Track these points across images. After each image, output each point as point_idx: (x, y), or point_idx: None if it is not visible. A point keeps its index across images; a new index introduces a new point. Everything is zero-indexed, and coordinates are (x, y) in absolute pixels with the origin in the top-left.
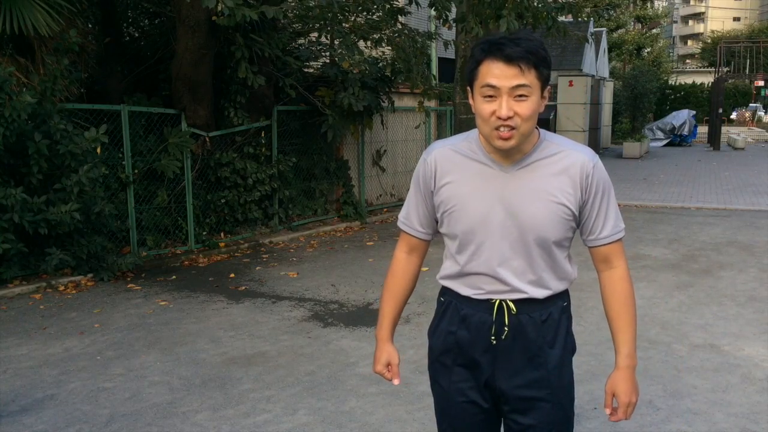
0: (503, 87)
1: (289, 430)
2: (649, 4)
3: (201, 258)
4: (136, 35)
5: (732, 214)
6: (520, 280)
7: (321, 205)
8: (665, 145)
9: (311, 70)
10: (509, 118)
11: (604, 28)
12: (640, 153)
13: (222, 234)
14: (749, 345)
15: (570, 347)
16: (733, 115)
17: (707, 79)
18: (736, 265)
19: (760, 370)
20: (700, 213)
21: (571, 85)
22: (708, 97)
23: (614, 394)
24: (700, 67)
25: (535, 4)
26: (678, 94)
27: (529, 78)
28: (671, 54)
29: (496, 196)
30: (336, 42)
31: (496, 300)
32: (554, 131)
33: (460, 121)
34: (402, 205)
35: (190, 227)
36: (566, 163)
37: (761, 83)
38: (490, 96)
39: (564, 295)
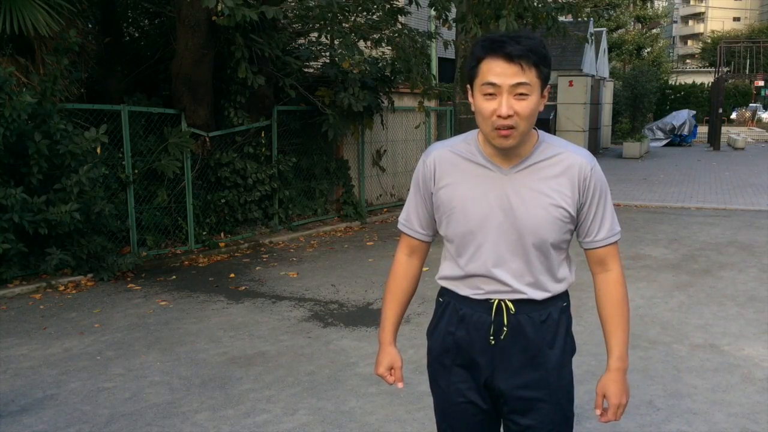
0: (504, 85)
1: (289, 430)
2: (649, 4)
3: (201, 258)
4: (136, 35)
5: (732, 214)
6: (518, 282)
7: (321, 205)
8: (665, 145)
9: (311, 70)
10: (509, 116)
11: (604, 28)
12: (640, 153)
13: (222, 234)
14: (749, 345)
15: (570, 348)
16: (734, 115)
17: (707, 79)
18: (736, 265)
19: (760, 370)
20: (700, 213)
21: (571, 85)
22: (708, 97)
23: (605, 396)
24: (700, 67)
25: (535, 4)
26: (678, 94)
27: (530, 76)
28: (671, 54)
29: (494, 199)
30: (336, 42)
31: (495, 300)
32: (554, 131)
33: (460, 121)
34: (402, 205)
35: (190, 227)
36: (565, 165)
37: (761, 83)
38: (491, 94)
39: (564, 296)
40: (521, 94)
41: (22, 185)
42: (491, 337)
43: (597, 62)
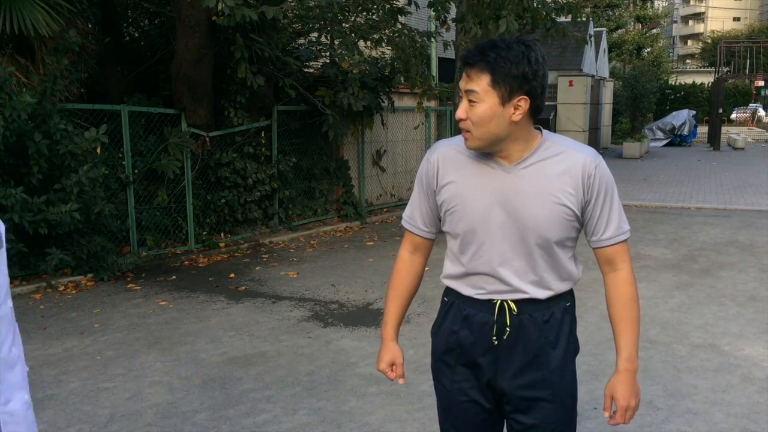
0: (462, 89)
1: (289, 430)
2: (649, 4)
3: (201, 258)
4: (136, 35)
5: (732, 214)
6: (521, 280)
7: (321, 205)
8: (665, 145)
9: (311, 70)
10: (461, 120)
11: (604, 29)
12: (640, 153)
13: (222, 234)
14: (749, 345)
15: (573, 348)
16: (734, 115)
17: (707, 79)
18: (736, 265)
19: (760, 370)
20: (700, 213)
21: (571, 85)
22: (708, 97)
23: (613, 398)
24: (700, 67)
25: (535, 4)
26: (678, 94)
27: (480, 84)
28: (671, 54)
29: (497, 196)
30: (336, 42)
31: (497, 300)
32: (554, 131)
33: None
34: (402, 205)
35: (190, 227)
36: (568, 163)
37: (761, 83)
38: (461, 97)
39: (567, 296)
40: (470, 101)
41: (22, 185)
42: (494, 338)
43: (597, 62)
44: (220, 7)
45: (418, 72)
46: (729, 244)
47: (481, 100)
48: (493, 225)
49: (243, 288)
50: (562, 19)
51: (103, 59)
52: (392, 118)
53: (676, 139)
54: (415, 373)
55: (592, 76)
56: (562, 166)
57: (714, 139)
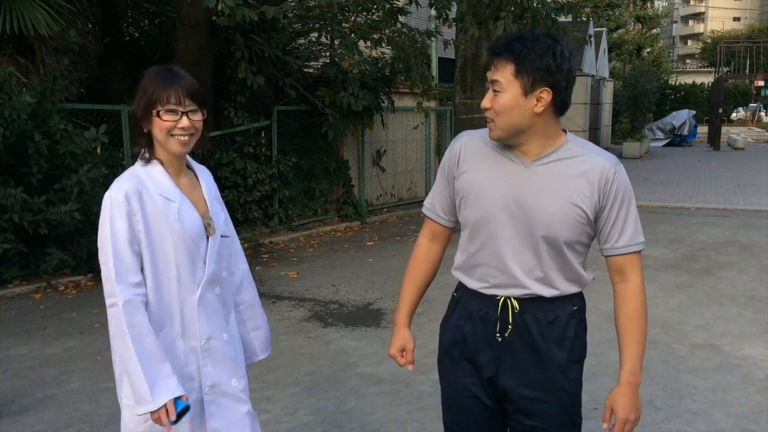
0: (488, 79)
1: (289, 430)
2: (649, 4)
3: None
4: (136, 35)
5: (732, 214)
6: (526, 276)
7: (321, 205)
8: (665, 145)
9: (311, 70)
10: (486, 109)
11: (604, 29)
12: (640, 153)
13: None
14: (749, 345)
15: (577, 352)
16: (734, 115)
17: (707, 79)
18: (736, 265)
19: (760, 370)
20: (700, 213)
21: None
22: (708, 97)
23: (613, 410)
24: (700, 67)
25: (535, 4)
26: (678, 94)
27: (503, 75)
28: (671, 54)
29: (511, 189)
30: (336, 42)
31: (501, 297)
32: None
33: (460, 121)
34: (402, 205)
35: None
36: (587, 166)
37: (761, 83)
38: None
39: (575, 299)
40: (495, 90)
41: (22, 185)
42: (497, 335)
43: (597, 62)
44: (220, 7)
45: (418, 72)
46: (729, 244)
47: (504, 89)
48: (503, 217)
49: None
50: (562, 19)
51: (103, 59)
52: (392, 118)
53: (676, 139)
54: (415, 373)
55: (592, 76)
56: (580, 168)
57: (714, 139)
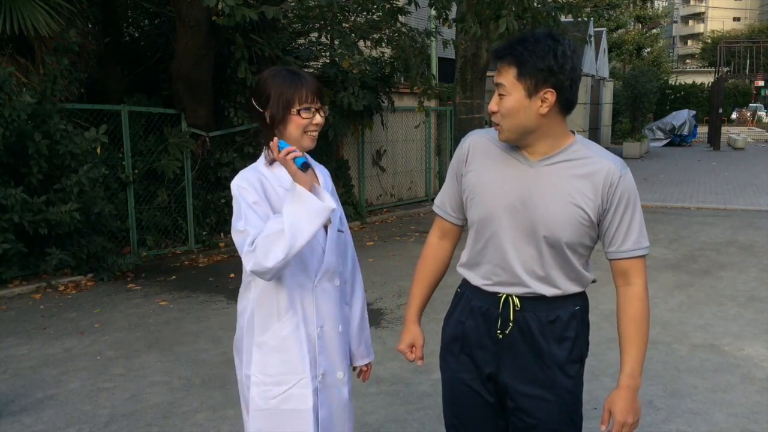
0: (495, 82)
1: None
2: (649, 4)
3: (201, 258)
4: (136, 35)
5: (732, 214)
6: (528, 275)
7: None
8: (665, 145)
9: (311, 70)
10: (493, 113)
11: (604, 28)
12: (640, 153)
13: (222, 234)
14: (749, 345)
15: (577, 352)
16: (734, 115)
17: (707, 79)
18: (736, 265)
19: (760, 370)
20: (700, 213)
21: None
22: (708, 97)
23: (611, 412)
24: (700, 67)
25: (535, 4)
26: (678, 94)
27: (507, 78)
28: (671, 54)
29: (516, 188)
30: (336, 42)
31: (503, 294)
32: None
33: (460, 121)
34: (402, 205)
35: (190, 227)
36: (592, 168)
37: (761, 83)
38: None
39: (577, 299)
40: (500, 94)
41: (22, 185)
42: (498, 331)
43: (597, 62)
44: (220, 7)
45: (418, 72)
46: (729, 244)
47: (508, 93)
48: (507, 216)
49: None
50: (563, 18)
51: (103, 59)
52: (392, 118)
53: (676, 139)
54: (414, 373)
55: (592, 76)
56: (585, 170)
57: (714, 139)
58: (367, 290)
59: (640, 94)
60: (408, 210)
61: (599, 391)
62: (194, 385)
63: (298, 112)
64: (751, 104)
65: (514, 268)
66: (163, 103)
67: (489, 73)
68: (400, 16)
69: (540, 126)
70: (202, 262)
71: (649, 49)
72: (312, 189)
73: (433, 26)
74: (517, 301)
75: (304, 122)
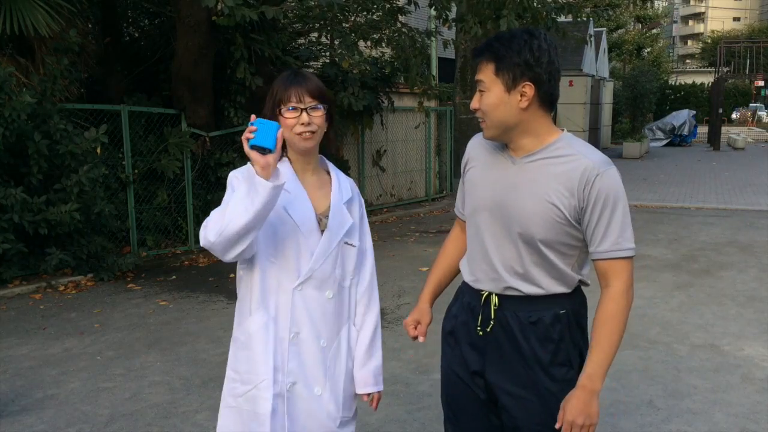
0: (476, 79)
1: None
2: (649, 4)
3: (201, 258)
4: (136, 35)
5: (732, 214)
6: (507, 271)
7: None
8: (665, 145)
9: (311, 70)
10: (475, 110)
11: (604, 28)
12: (640, 153)
13: None
14: (749, 345)
15: (563, 356)
16: (735, 115)
17: (707, 79)
18: (736, 265)
19: (760, 370)
20: (700, 213)
21: (571, 85)
22: (708, 97)
23: (563, 410)
24: (700, 67)
25: (535, 4)
26: (678, 94)
27: (485, 74)
28: (671, 54)
29: (498, 185)
30: (336, 42)
31: (485, 292)
32: None
33: (460, 121)
34: (402, 205)
35: (190, 227)
36: (571, 166)
37: (761, 83)
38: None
39: (563, 301)
40: (480, 90)
41: (22, 185)
42: (478, 328)
43: (597, 62)
44: (219, 7)
45: (418, 72)
46: (729, 244)
47: (488, 89)
48: (487, 212)
49: None
50: (563, 18)
51: (103, 59)
52: (392, 118)
53: (676, 139)
54: (414, 373)
55: (592, 76)
56: (563, 168)
57: (714, 139)
58: None
59: (640, 94)
60: (408, 210)
61: None
62: (194, 385)
63: (281, 111)
64: (751, 104)
65: (495, 264)
66: (163, 103)
67: None
68: (400, 16)
69: (521, 121)
70: (202, 262)
71: (649, 49)
72: (268, 175)
73: (433, 26)
74: (496, 299)
75: (290, 122)
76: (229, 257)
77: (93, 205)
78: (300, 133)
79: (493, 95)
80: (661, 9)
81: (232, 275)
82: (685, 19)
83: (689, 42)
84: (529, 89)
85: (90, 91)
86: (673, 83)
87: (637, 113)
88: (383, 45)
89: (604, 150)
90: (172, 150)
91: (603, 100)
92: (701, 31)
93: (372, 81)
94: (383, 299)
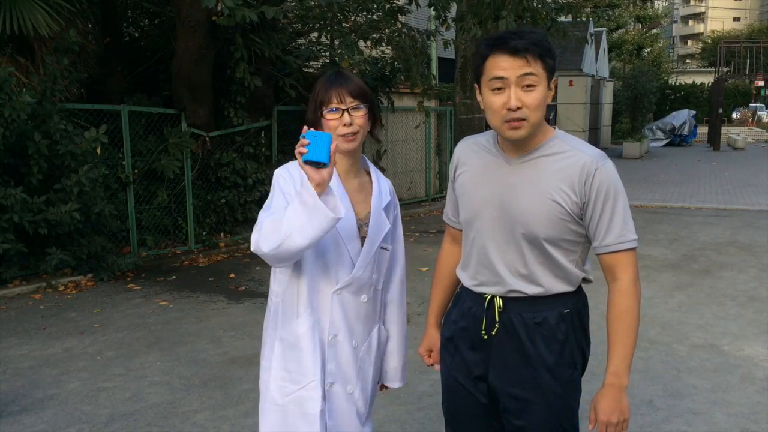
0: (511, 78)
1: None
2: (649, 4)
3: (201, 258)
4: (136, 35)
5: (732, 214)
6: (511, 274)
7: None
8: (665, 145)
9: (311, 70)
10: (518, 108)
11: (604, 28)
12: (640, 153)
13: (222, 234)
14: (749, 345)
15: (569, 356)
16: (736, 115)
17: (707, 79)
18: (736, 265)
19: (760, 370)
20: (700, 213)
21: (571, 85)
22: (708, 97)
23: (596, 412)
24: (700, 67)
25: (535, 4)
26: (678, 94)
27: (536, 68)
28: (671, 54)
29: (496, 187)
30: (336, 42)
31: (488, 295)
32: None
33: (460, 121)
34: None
35: (190, 227)
36: (569, 162)
37: (761, 83)
38: (499, 88)
39: (567, 301)
40: (528, 85)
41: (22, 185)
42: (483, 332)
43: (597, 62)
44: (219, 8)
45: (418, 72)
46: (729, 244)
47: (538, 83)
48: (487, 215)
49: (243, 288)
50: (562, 18)
51: (103, 59)
52: (392, 118)
53: (676, 139)
54: (415, 373)
55: (592, 76)
56: (561, 164)
57: (714, 139)
58: None
59: (640, 94)
60: (408, 210)
61: None
62: (194, 385)
63: (323, 114)
64: (751, 104)
65: (497, 267)
66: (163, 103)
67: None
68: (400, 16)
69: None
70: (202, 262)
71: (649, 49)
72: (324, 190)
73: (433, 26)
74: (500, 302)
75: (331, 123)
76: (278, 266)
77: (93, 205)
78: (343, 135)
79: (542, 91)
80: (661, 9)
81: (232, 275)
82: (685, 19)
83: (689, 42)
84: (554, 85)
85: (90, 91)
86: (673, 83)
87: (637, 113)
88: (383, 45)
89: (604, 150)
90: (172, 150)
91: (603, 100)
92: (701, 31)
93: (372, 81)
94: None
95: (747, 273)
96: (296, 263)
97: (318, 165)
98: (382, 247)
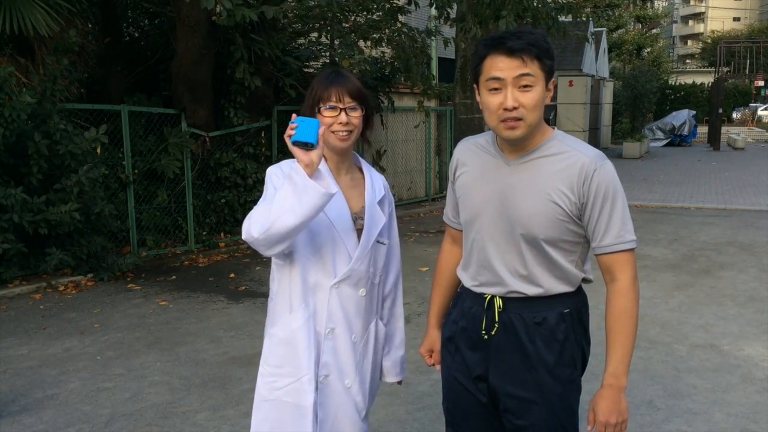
0: (507, 78)
1: None
2: (649, 4)
3: (201, 258)
4: (136, 35)
5: (732, 214)
6: (510, 274)
7: None
8: (665, 145)
9: (311, 70)
10: (515, 108)
11: (604, 28)
12: (640, 153)
13: (222, 234)
14: (749, 345)
15: (569, 356)
16: (737, 115)
17: (707, 79)
18: (736, 265)
19: (760, 370)
20: (700, 213)
21: (571, 85)
22: (708, 97)
23: (594, 412)
24: (700, 67)
25: (535, 4)
26: (678, 94)
27: (533, 68)
28: (671, 54)
29: (495, 188)
30: (336, 42)
31: (488, 295)
32: None
33: (460, 121)
34: (402, 205)
35: (190, 227)
36: (567, 163)
37: (761, 83)
38: (496, 89)
39: (567, 300)
40: (525, 85)
41: (22, 185)
42: (483, 332)
43: (597, 62)
44: (218, 10)
45: (418, 71)
46: (729, 244)
47: (535, 84)
48: (487, 216)
49: (243, 288)
50: (563, 18)
51: (103, 59)
52: (392, 118)
53: (676, 139)
54: (415, 374)
55: (592, 76)
56: (560, 165)
57: (714, 139)
58: None
59: (640, 94)
60: (408, 210)
61: None
62: (194, 385)
63: (319, 110)
64: (751, 104)
65: (497, 267)
66: (163, 103)
67: None
68: (400, 16)
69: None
70: (202, 262)
71: (649, 49)
72: (313, 172)
73: (434, 26)
74: (500, 302)
75: (328, 120)
76: (269, 253)
77: (93, 205)
78: (337, 132)
79: (540, 89)
80: (661, 9)
81: (232, 275)
82: (685, 19)
83: (689, 42)
84: (552, 87)
85: (90, 91)
86: (673, 83)
87: (637, 113)
88: (383, 45)
89: (604, 150)
90: (172, 150)
91: (603, 100)
92: (701, 31)
93: (372, 81)
94: None
95: (747, 273)
96: (291, 259)
97: (306, 146)
98: (378, 241)
